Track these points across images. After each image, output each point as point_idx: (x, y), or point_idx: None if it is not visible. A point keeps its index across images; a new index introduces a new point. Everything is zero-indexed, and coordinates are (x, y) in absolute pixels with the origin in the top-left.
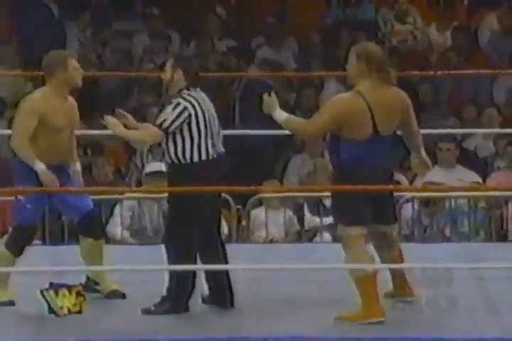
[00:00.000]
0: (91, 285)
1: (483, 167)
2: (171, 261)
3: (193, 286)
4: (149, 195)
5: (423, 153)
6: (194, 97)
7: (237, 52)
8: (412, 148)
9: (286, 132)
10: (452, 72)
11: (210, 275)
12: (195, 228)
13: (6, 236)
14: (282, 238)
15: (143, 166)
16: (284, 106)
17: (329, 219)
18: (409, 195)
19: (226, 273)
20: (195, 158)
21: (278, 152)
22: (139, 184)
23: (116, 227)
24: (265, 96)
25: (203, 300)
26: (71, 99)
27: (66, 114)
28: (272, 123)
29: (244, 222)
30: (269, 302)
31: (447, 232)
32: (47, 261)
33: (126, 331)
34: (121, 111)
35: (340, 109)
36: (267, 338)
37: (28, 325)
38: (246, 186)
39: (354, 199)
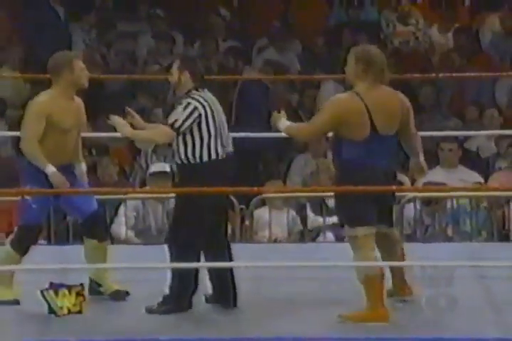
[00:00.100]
0: (95, 287)
1: (485, 167)
2: (172, 261)
3: (196, 285)
4: (153, 195)
5: (421, 157)
6: (203, 97)
7: (236, 53)
8: (410, 152)
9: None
10: (454, 74)
11: (214, 275)
12: (199, 228)
13: (11, 236)
14: (285, 238)
15: (147, 166)
16: (287, 107)
17: (332, 219)
18: (411, 195)
19: (231, 272)
20: (205, 158)
21: (281, 152)
22: (144, 184)
23: (120, 227)
24: (275, 112)
25: (206, 300)
26: (78, 100)
27: (73, 114)
28: (267, 124)
29: (247, 222)
30: (272, 302)
31: (449, 232)
32: (52, 261)
33: (128, 331)
34: (130, 110)
35: (338, 108)
36: (270, 339)
37: (31, 325)
38: (249, 186)
39: (359, 199)
